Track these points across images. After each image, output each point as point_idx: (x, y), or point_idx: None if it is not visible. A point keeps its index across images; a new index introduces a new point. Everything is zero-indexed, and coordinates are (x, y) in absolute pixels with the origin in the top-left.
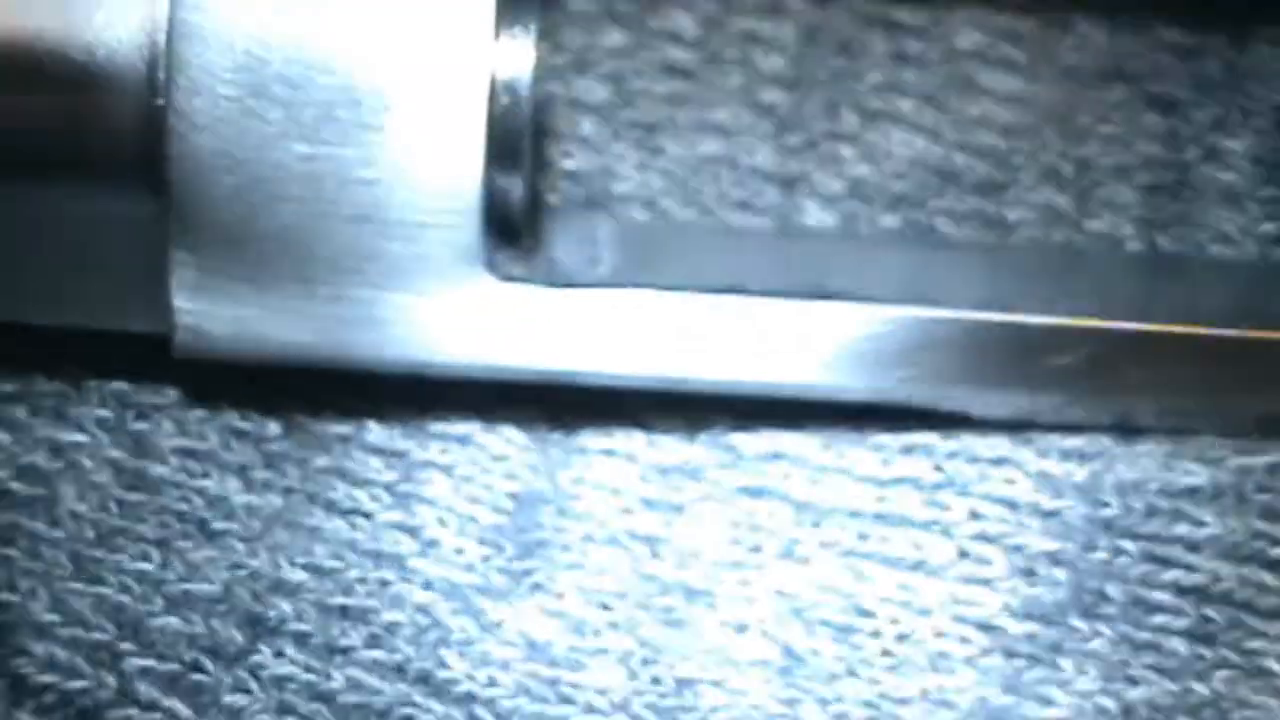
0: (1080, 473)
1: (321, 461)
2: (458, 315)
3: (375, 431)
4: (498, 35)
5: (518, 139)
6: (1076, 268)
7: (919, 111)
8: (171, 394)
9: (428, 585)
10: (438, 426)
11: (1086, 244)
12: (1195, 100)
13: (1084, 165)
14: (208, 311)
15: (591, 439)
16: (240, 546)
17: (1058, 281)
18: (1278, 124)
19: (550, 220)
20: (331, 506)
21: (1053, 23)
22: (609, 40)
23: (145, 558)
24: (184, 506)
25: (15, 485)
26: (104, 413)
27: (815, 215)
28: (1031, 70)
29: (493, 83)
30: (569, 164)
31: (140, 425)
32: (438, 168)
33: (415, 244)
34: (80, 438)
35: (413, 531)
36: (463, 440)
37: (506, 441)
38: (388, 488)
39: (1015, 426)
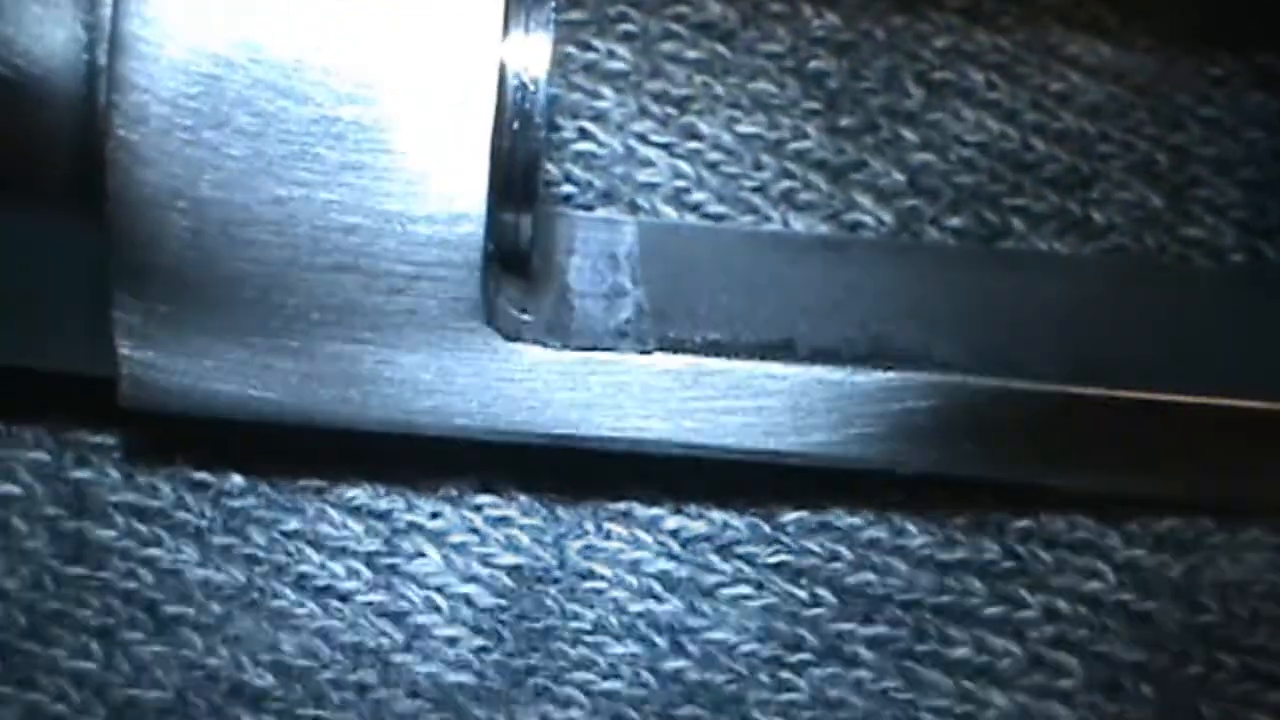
0: (1175, 567)
1: (292, 524)
2: (454, 375)
3: (355, 489)
4: (506, 34)
5: (530, 168)
6: (1173, 304)
7: (992, 86)
8: (118, 436)
9: (414, 690)
10: (427, 484)
11: (1182, 254)
12: None
13: (1181, 155)
14: (158, 361)
15: (606, 504)
16: (196, 640)
17: (1153, 327)
18: None
19: (560, 231)
20: (303, 583)
21: None
22: None
23: (86, 654)
24: (131, 584)
25: None
26: (40, 455)
27: (871, 212)
28: (1123, 35)
29: (499, 106)
30: (585, 145)
31: (81, 473)
32: (432, 208)
33: (405, 295)
34: (12, 489)
35: (397, 618)
36: (455, 501)
37: (507, 504)
38: (369, 560)
39: (1100, 503)
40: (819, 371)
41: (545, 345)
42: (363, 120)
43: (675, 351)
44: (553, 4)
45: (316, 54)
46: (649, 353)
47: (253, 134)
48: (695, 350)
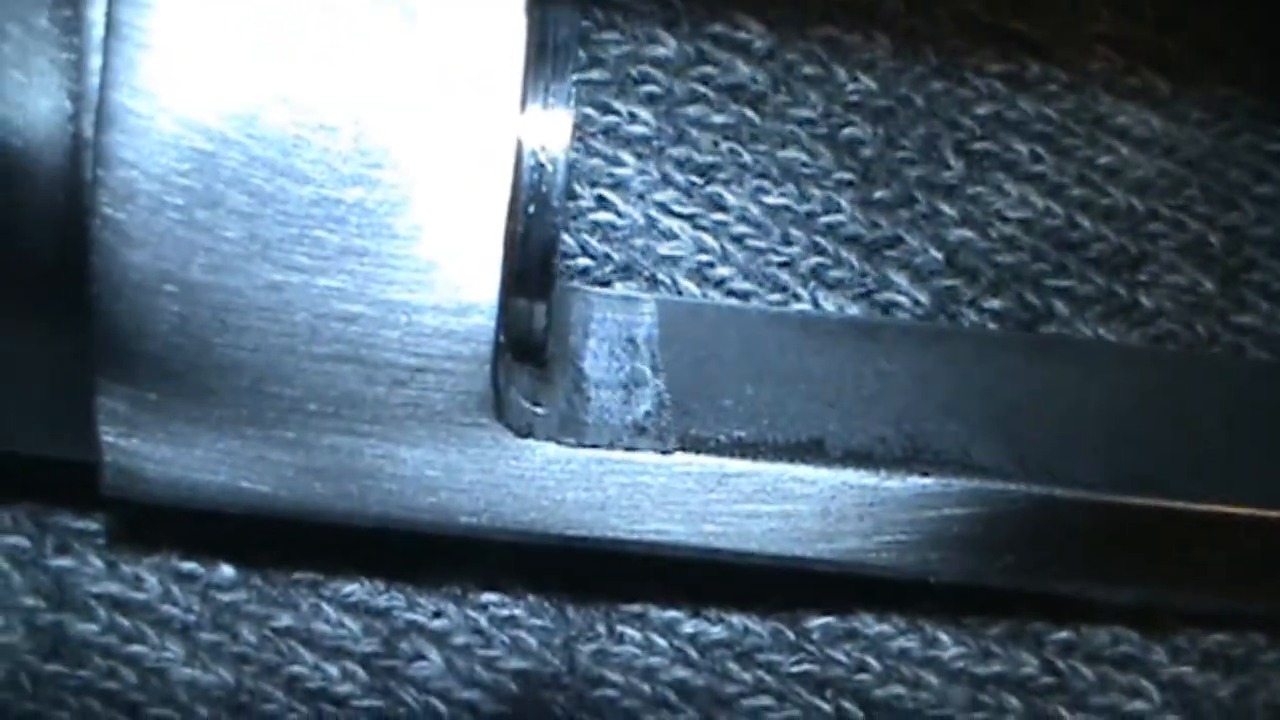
0: (1225, 687)
1: (285, 621)
2: (460, 471)
3: (352, 584)
4: (524, 108)
5: (547, 255)
6: (1225, 398)
7: (1036, 158)
8: (101, 521)
9: None
10: (429, 580)
11: (1235, 343)
12: None
13: (1236, 236)
14: (144, 450)
15: (619, 605)
16: None
17: (1204, 424)
18: None
19: (575, 310)
20: (294, 686)
21: (1201, 44)
22: (657, 50)
23: None
24: (112, 684)
25: None
26: (19, 541)
27: (906, 292)
28: (1176, 106)
29: (514, 186)
30: (603, 215)
31: (62, 561)
32: (440, 298)
33: (409, 388)
34: None
35: None
36: (459, 600)
37: (514, 603)
38: (365, 661)
39: (1145, 615)
40: (850, 475)
41: (559, 442)
42: (366, 202)
43: (698, 451)
44: (574, 74)
45: (317, 130)
46: (670, 452)
47: (248, 215)
48: (719, 450)
